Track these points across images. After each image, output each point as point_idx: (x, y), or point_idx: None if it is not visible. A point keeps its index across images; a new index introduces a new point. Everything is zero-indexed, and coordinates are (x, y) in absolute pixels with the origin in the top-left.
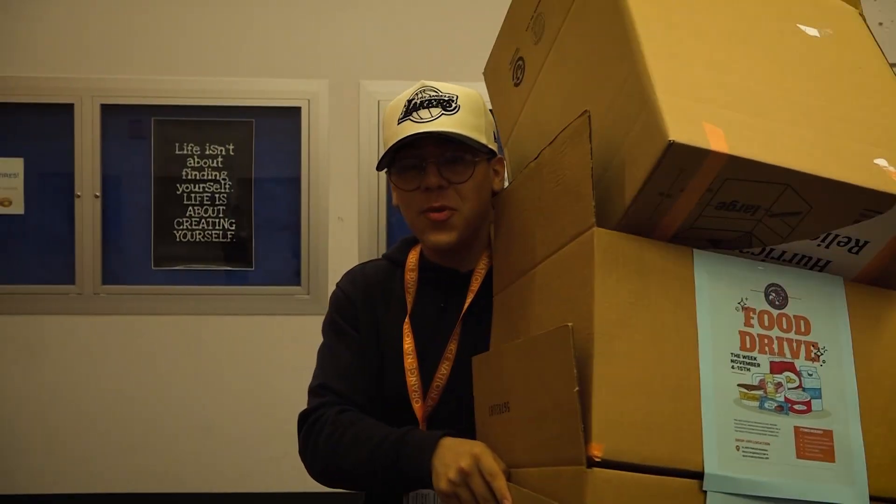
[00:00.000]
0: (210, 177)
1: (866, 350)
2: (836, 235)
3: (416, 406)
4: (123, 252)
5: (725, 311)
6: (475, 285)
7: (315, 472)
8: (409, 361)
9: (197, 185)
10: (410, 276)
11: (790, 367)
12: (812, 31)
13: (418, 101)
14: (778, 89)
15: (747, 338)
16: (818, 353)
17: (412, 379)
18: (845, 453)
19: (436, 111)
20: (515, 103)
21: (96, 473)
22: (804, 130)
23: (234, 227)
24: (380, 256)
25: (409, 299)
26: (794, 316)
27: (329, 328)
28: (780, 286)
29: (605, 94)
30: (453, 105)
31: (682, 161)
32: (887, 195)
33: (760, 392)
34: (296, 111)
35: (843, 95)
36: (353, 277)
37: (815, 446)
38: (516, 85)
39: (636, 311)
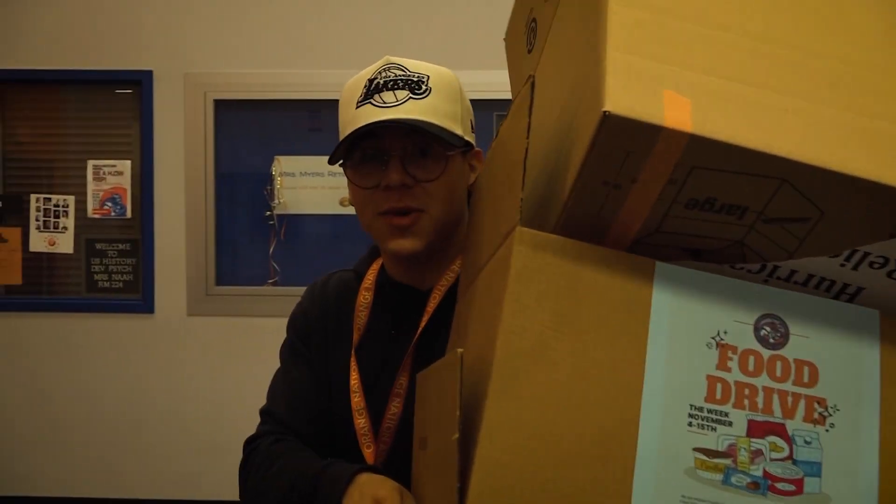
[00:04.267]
0: None
1: None
2: (867, 254)
3: (367, 452)
4: None
5: (691, 348)
6: (432, 306)
7: None
8: (357, 401)
9: None
10: (364, 297)
11: (778, 430)
12: None
13: (381, 81)
14: (795, 50)
15: (719, 385)
16: (824, 414)
17: (360, 421)
18: None
19: (402, 94)
20: (527, 74)
21: None
22: (823, 107)
23: None
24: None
25: (358, 326)
26: (795, 360)
27: (285, 347)
28: (778, 318)
29: (581, 57)
30: (423, 87)
31: (627, 140)
32: None
33: (728, 461)
34: None
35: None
36: (313, 291)
37: None
38: (529, 52)
39: (558, 339)
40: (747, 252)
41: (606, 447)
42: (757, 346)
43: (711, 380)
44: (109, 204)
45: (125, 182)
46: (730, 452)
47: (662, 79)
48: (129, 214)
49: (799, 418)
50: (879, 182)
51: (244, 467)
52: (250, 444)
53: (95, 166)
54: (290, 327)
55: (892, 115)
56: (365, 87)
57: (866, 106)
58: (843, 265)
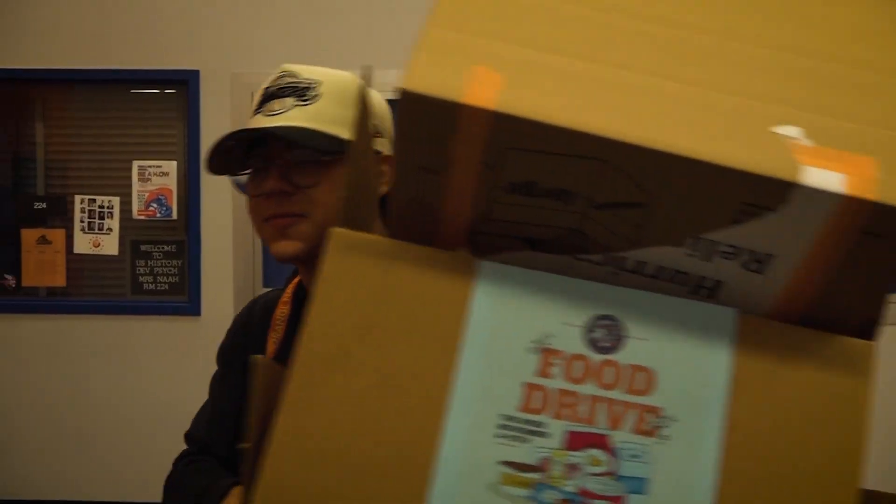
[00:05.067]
0: None
1: (751, 425)
2: (714, 243)
3: None
4: None
5: (510, 354)
6: None
7: None
8: None
9: None
10: (281, 312)
11: (600, 443)
12: None
13: (274, 90)
14: (664, 26)
15: (536, 394)
16: (658, 425)
17: None
18: None
19: (289, 101)
20: None
21: None
22: (671, 83)
23: None
24: None
25: (275, 340)
26: (631, 366)
27: (213, 378)
28: (614, 319)
29: None
30: (310, 93)
31: (428, 120)
32: (775, 181)
33: (538, 476)
34: None
35: (773, 33)
36: (238, 318)
37: None
38: None
39: (361, 345)
40: (588, 242)
41: (402, 462)
42: (586, 351)
43: (529, 388)
44: (155, 205)
45: (171, 183)
46: (542, 466)
47: (478, 54)
48: (174, 215)
49: (627, 429)
50: (703, 160)
51: (164, 486)
52: (173, 465)
53: (140, 167)
54: (218, 359)
55: (773, 93)
56: (261, 95)
57: (737, 85)
58: (690, 255)
